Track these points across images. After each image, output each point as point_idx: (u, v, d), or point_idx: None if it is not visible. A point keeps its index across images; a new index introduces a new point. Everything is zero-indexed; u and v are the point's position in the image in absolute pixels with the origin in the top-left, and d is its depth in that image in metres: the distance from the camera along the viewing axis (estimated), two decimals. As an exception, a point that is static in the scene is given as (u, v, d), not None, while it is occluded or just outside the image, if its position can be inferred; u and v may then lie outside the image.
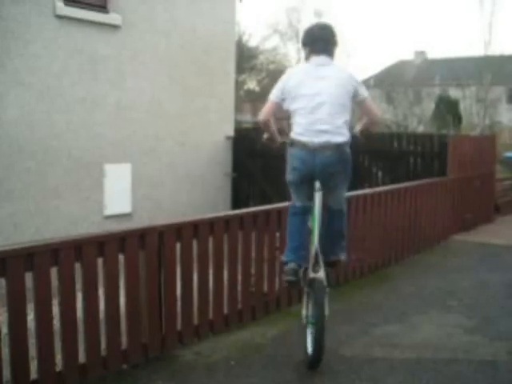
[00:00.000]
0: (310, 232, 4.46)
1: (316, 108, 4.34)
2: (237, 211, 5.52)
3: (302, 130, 4.37)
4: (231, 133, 10.87)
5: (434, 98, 25.94)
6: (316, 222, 4.36)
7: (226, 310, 5.19)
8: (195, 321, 4.93)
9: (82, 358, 4.14)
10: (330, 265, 4.64)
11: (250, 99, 34.53)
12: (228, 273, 5.19)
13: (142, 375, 4.33)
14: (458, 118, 22.91)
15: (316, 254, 4.34)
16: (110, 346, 4.30)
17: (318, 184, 4.36)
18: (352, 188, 6.75)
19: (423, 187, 8.35)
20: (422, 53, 42.83)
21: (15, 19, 7.34)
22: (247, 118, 27.74)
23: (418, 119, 24.39)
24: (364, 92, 4.53)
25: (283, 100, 4.49)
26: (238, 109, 15.69)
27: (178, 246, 4.72)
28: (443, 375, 4.31)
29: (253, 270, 5.45)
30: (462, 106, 24.27)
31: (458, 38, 51.81)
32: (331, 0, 56.03)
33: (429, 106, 25.30)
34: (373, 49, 63.45)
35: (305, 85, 4.39)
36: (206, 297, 5.00)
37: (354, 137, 4.60)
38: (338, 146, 4.32)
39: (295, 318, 5.24)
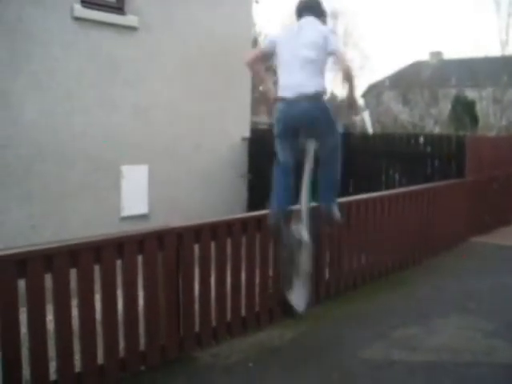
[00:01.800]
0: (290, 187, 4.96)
1: (292, 65, 4.78)
2: (254, 213, 5.51)
3: (282, 86, 4.84)
4: (247, 134, 10.86)
5: (451, 98, 25.78)
6: (305, 184, 4.95)
7: (243, 312, 5.18)
8: (213, 323, 4.92)
9: (100, 359, 4.15)
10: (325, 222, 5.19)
11: (266, 100, 34.50)
12: (246, 275, 5.18)
13: (159, 377, 4.34)
14: (474, 119, 22.76)
15: (303, 214, 4.89)
16: (128, 347, 4.31)
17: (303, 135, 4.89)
18: (369, 190, 6.77)
19: (440, 189, 8.29)
20: (438, 53, 42.46)
21: (34, 22, 7.37)
22: (263, 119, 27.70)
23: (435, 120, 24.26)
24: (335, 43, 4.84)
25: (271, 51, 5.00)
26: (254, 110, 15.63)
27: (196, 247, 4.72)
28: (464, 378, 4.28)
29: (271, 272, 5.43)
30: (478, 107, 24.09)
31: (474, 38, 51.47)
32: (347, 0, 55.74)
33: (445, 107, 25.15)
34: (388, 49, 63.15)
35: (287, 43, 4.88)
36: (224, 299, 4.99)
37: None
38: (312, 97, 4.70)
39: (313, 320, 5.23)
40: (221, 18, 9.90)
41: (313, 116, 4.79)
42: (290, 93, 4.73)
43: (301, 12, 5.07)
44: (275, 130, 4.99)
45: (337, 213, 5.09)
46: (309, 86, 4.70)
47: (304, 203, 5.00)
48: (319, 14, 5.06)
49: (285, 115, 4.85)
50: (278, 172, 5.05)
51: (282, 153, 4.99)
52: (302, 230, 4.93)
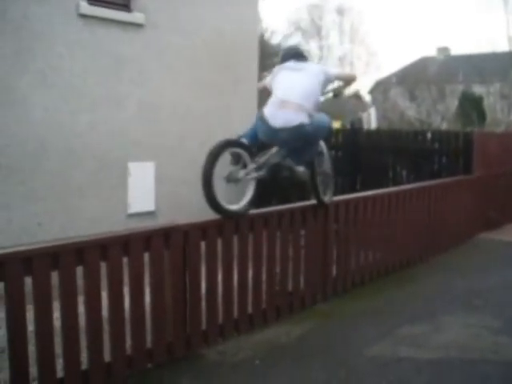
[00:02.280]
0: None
1: (283, 101, 4.91)
2: (261, 210, 5.50)
3: (270, 113, 4.93)
4: (254, 131, 10.84)
5: (458, 94, 25.65)
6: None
7: (250, 310, 5.18)
8: (220, 320, 4.92)
9: (106, 356, 4.15)
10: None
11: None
12: (252, 272, 5.18)
13: (166, 374, 4.33)
14: (482, 115, 22.64)
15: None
16: (135, 345, 4.31)
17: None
18: (376, 186, 6.75)
19: (448, 185, 8.26)
20: (445, 49, 42.23)
21: (39, 19, 7.37)
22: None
23: (442, 116, 24.17)
24: (332, 72, 5.35)
25: (270, 87, 5.26)
26: (261, 107, 15.62)
27: (203, 245, 4.71)
28: (471, 376, 4.26)
29: (277, 269, 5.42)
30: (485, 103, 23.97)
31: (481, 34, 51.23)
32: (353, -3, 55.58)
33: (452, 103, 25.03)
34: (395, 45, 62.91)
35: (280, 76, 5.18)
36: (231, 296, 4.99)
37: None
38: (294, 127, 4.81)
39: (320, 317, 5.22)
40: (227, 15, 9.87)
41: (290, 140, 4.94)
42: (276, 123, 4.86)
43: (283, 59, 5.39)
44: (255, 130, 5.22)
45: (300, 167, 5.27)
46: (294, 120, 4.82)
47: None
48: (302, 56, 5.37)
49: (264, 136, 5.06)
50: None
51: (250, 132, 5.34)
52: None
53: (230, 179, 4.99)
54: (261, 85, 5.85)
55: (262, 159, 5.06)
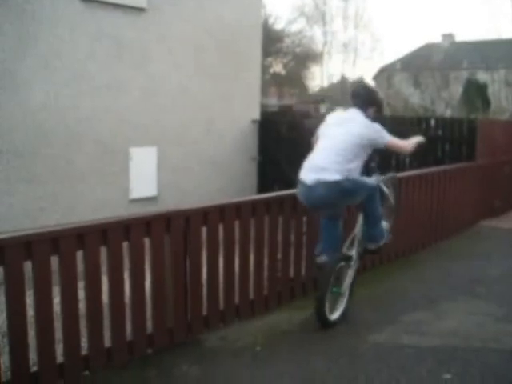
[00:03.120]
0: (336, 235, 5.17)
1: (323, 148, 4.83)
2: (263, 195, 5.46)
3: (306, 166, 4.86)
4: (257, 117, 10.80)
5: (462, 81, 25.53)
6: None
7: (251, 295, 5.16)
8: (221, 306, 4.90)
9: (107, 341, 4.13)
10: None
11: (276, 82, 34.34)
12: (254, 258, 5.15)
13: (167, 360, 4.32)
14: (486, 102, 22.54)
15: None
16: (136, 330, 4.29)
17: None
18: (380, 173, 6.64)
19: (451, 172, 8.21)
20: (450, 35, 42.02)
21: (41, 3, 7.32)
22: (273, 101, 27.58)
23: (446, 103, 24.04)
24: (382, 139, 4.85)
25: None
26: (264, 92, 15.59)
27: (204, 230, 4.68)
28: (473, 364, 4.23)
29: (279, 255, 5.40)
30: (490, 90, 23.86)
31: (486, 20, 50.88)
32: (358, -18, 55.09)
33: (457, 90, 24.91)
34: (399, 31, 62.59)
35: (325, 128, 5.01)
36: (232, 282, 4.97)
37: None
38: (330, 184, 4.65)
39: (322, 304, 5.19)
40: (230, 2, 9.81)
41: (330, 202, 4.83)
42: (309, 177, 4.73)
43: (351, 98, 5.09)
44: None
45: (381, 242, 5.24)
46: (330, 173, 4.66)
47: (359, 233, 5.23)
48: (367, 103, 4.99)
49: (304, 199, 4.92)
50: (323, 222, 5.24)
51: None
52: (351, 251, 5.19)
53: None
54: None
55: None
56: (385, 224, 5.33)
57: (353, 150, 4.73)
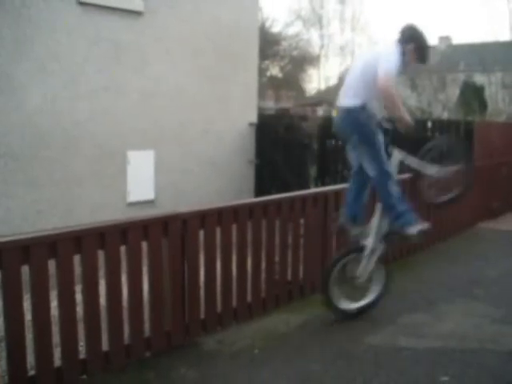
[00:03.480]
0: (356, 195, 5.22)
1: (346, 80, 5.06)
2: (261, 198, 5.47)
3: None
4: (254, 119, 10.81)
5: (459, 83, 25.55)
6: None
7: (249, 298, 5.16)
8: (218, 309, 4.90)
9: (105, 345, 4.13)
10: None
11: (273, 85, 34.36)
12: (252, 261, 5.15)
13: (164, 363, 4.32)
14: (483, 105, 22.55)
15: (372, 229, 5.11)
16: (133, 333, 4.29)
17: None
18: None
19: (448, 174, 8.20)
20: (447, 38, 42.06)
21: (38, 6, 7.33)
22: (270, 104, 27.60)
23: (443, 105, 24.06)
24: (381, 65, 4.60)
25: None
26: (261, 95, 15.59)
27: (202, 233, 4.68)
28: (470, 366, 4.23)
29: (277, 258, 5.40)
30: (487, 93, 23.88)
31: (483, 22, 50.99)
32: (354, -15, 55.18)
33: (454, 92, 24.93)
34: (396, 34, 62.46)
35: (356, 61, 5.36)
36: (230, 285, 4.97)
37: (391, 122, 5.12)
38: (347, 109, 4.89)
39: (319, 306, 5.20)
40: (227, 4, 9.83)
41: (347, 127, 5.00)
42: (338, 102, 5.02)
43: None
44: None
45: (411, 229, 4.88)
46: (349, 99, 4.88)
47: (375, 223, 5.11)
48: (405, 37, 4.93)
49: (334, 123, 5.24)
50: (350, 183, 5.33)
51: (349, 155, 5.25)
52: (367, 239, 5.11)
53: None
54: None
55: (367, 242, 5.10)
56: (405, 208, 4.97)
57: (364, 79, 4.81)
